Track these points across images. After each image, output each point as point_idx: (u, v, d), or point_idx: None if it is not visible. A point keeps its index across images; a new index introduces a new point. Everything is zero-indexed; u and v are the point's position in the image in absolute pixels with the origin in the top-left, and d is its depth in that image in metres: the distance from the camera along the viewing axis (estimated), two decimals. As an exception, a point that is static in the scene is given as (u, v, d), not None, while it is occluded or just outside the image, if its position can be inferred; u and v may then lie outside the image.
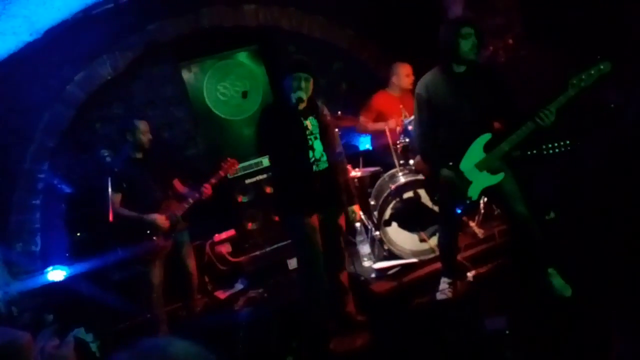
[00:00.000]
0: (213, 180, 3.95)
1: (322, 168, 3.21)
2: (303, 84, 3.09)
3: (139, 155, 3.86)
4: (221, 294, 4.63)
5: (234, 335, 3.03)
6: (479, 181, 3.14)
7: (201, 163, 5.25)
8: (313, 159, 3.16)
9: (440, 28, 3.09)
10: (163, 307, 3.91)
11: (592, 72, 2.80)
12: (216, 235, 4.89)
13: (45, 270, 3.99)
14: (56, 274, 3.97)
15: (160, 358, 0.96)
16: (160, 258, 3.81)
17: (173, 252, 3.90)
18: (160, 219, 3.73)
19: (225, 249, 4.88)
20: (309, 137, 3.16)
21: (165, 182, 3.97)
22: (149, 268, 3.77)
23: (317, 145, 3.20)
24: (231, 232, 4.94)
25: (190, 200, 3.86)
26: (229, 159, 4.12)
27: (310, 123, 3.18)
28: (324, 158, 3.23)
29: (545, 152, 3.63)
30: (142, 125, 3.84)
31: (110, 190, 3.60)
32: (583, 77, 2.82)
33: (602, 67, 2.80)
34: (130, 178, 3.77)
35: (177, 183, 4.05)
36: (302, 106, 3.11)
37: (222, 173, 4.04)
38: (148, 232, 3.71)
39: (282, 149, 3.16)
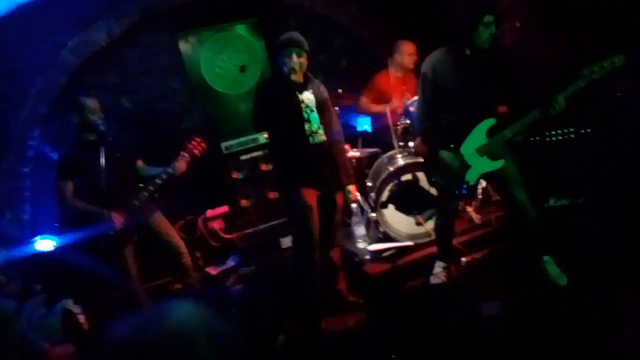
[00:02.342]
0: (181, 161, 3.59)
1: (319, 141, 3.18)
2: (295, 58, 3.08)
3: (91, 137, 3.50)
4: (212, 270, 4.59)
5: (226, 312, 3.01)
6: (478, 166, 3.10)
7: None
8: (309, 131, 3.15)
9: (458, 7, 3.00)
10: (142, 291, 3.72)
11: (605, 64, 2.75)
12: (209, 210, 4.84)
13: (34, 240, 3.93)
14: (45, 244, 3.90)
15: (159, 327, 0.89)
16: (127, 248, 3.55)
17: (148, 238, 3.65)
18: (115, 217, 3.41)
19: (218, 225, 4.83)
20: (304, 109, 3.15)
21: (126, 165, 3.66)
22: (117, 260, 3.51)
23: (313, 117, 3.19)
24: (224, 209, 4.89)
25: (151, 188, 3.54)
26: (195, 138, 3.74)
27: (306, 97, 3.17)
28: (321, 131, 3.21)
29: (548, 139, 3.58)
30: (91, 103, 3.48)
31: (102, 161, 3.43)
32: (595, 69, 2.77)
33: (615, 60, 2.75)
34: (82, 164, 3.44)
35: (140, 164, 3.75)
36: (295, 77, 3.10)
37: (186, 155, 3.63)
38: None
39: (278, 123, 3.14)
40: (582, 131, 3.48)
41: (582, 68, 2.78)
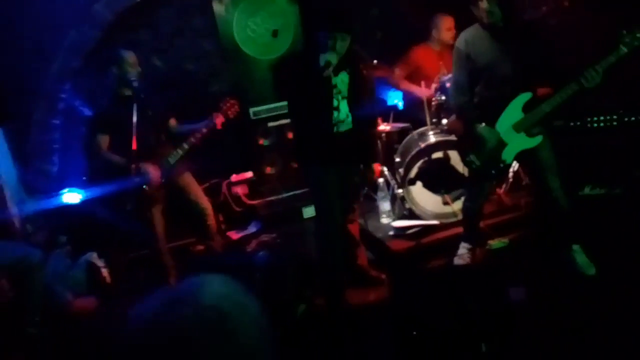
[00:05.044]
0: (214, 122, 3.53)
1: (345, 129, 2.99)
2: (338, 45, 2.76)
3: (127, 92, 3.45)
4: (234, 235, 4.62)
5: (248, 278, 3.01)
6: (515, 143, 3.01)
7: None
8: (336, 120, 2.95)
9: None
10: (166, 250, 3.73)
11: None
12: (234, 175, 4.84)
13: (61, 192, 3.97)
14: (72, 197, 3.95)
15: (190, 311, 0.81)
16: (155, 206, 3.55)
17: (177, 198, 3.64)
18: (152, 170, 3.40)
19: (242, 190, 4.84)
20: (335, 96, 2.92)
21: (159, 122, 3.63)
22: (146, 217, 3.51)
23: (343, 106, 2.96)
24: (249, 174, 4.88)
25: (185, 146, 3.50)
26: (228, 99, 3.66)
27: (340, 80, 2.93)
28: (349, 119, 2.99)
29: (589, 126, 3.44)
30: (130, 57, 3.42)
31: (135, 117, 3.38)
32: (638, 34, 2.59)
33: None
34: (118, 118, 3.39)
35: (173, 123, 3.71)
36: (330, 69, 2.78)
37: (221, 116, 3.57)
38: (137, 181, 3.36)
39: (304, 106, 2.95)
40: (627, 119, 3.33)
41: (622, 35, 2.61)
